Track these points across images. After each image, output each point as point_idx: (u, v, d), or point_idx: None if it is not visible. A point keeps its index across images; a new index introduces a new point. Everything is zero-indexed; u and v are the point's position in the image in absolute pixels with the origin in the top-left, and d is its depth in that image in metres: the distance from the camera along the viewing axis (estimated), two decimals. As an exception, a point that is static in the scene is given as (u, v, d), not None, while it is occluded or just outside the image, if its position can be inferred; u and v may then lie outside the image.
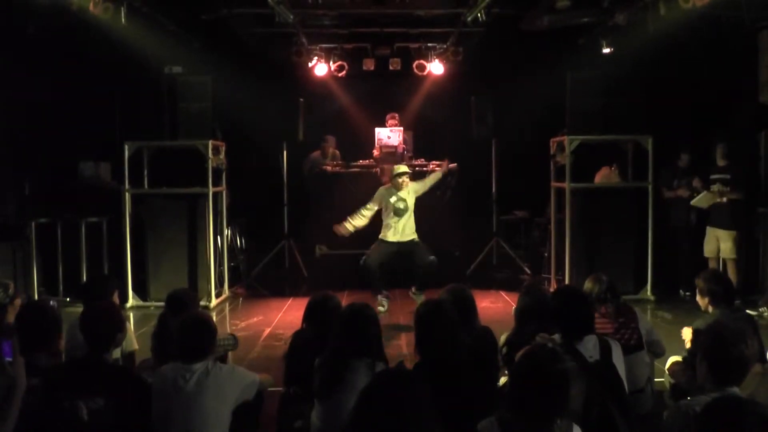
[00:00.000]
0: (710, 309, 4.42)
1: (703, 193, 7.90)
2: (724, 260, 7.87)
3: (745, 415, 2.13)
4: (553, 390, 2.53)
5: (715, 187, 7.83)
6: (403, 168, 7.79)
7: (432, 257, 7.44)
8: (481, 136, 10.24)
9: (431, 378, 3.12)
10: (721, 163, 7.92)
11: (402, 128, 9.66)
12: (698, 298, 4.55)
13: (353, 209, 7.65)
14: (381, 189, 7.74)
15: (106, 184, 9.02)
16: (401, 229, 7.58)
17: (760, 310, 7.34)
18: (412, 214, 7.67)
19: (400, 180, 7.57)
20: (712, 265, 7.84)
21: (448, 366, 3.32)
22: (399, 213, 7.54)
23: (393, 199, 7.57)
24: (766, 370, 3.50)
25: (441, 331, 3.44)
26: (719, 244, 7.86)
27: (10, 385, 2.50)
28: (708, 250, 7.98)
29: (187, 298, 4.50)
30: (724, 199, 7.80)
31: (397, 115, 10.01)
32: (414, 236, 7.66)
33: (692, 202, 8.06)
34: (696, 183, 8.08)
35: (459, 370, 3.32)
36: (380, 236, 7.64)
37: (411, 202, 7.65)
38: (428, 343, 3.45)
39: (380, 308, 7.30)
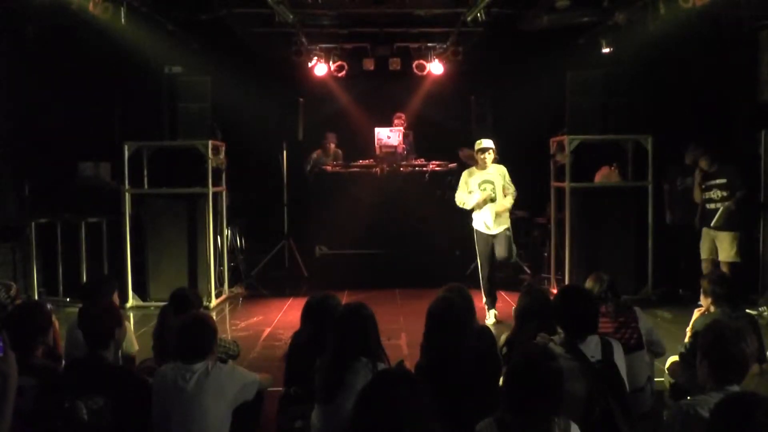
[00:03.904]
0: (712, 309, 4.44)
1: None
2: (717, 261, 7.59)
3: (758, 412, 2.12)
4: (546, 388, 2.54)
5: (723, 206, 7.55)
6: (485, 143, 6.92)
7: (510, 257, 6.87)
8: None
9: (432, 377, 3.12)
10: (711, 169, 7.64)
11: (402, 129, 9.63)
12: (702, 298, 4.57)
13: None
14: (464, 173, 7.14)
15: (106, 185, 9.01)
16: (493, 218, 6.87)
17: (760, 309, 7.32)
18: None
19: (482, 156, 6.84)
20: (705, 266, 7.59)
21: (450, 366, 3.31)
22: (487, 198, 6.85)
23: (478, 181, 6.91)
24: (764, 370, 3.51)
25: (449, 330, 3.43)
26: (715, 245, 7.62)
27: (2, 380, 2.47)
28: (703, 250, 7.71)
29: (191, 297, 4.51)
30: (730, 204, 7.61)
31: (403, 115, 10.02)
32: (505, 225, 6.97)
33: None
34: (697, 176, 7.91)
35: (461, 370, 3.31)
36: (474, 226, 7.06)
37: (499, 186, 6.91)
38: (435, 341, 3.44)
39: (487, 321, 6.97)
